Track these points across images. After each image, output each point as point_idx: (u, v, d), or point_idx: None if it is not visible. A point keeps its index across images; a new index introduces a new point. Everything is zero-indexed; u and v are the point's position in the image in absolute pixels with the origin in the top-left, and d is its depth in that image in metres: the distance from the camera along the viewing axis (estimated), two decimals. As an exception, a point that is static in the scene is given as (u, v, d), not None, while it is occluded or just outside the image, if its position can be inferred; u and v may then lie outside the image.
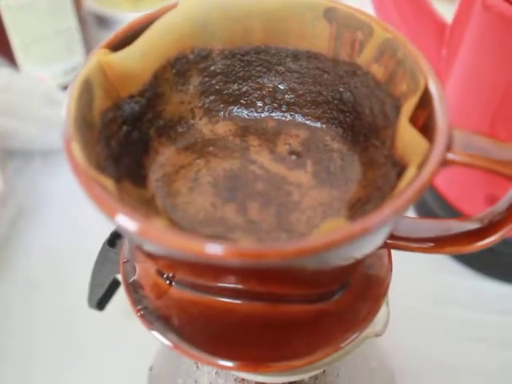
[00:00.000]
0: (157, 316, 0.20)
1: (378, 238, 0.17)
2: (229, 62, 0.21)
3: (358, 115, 0.21)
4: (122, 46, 0.19)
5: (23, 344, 0.39)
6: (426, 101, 0.18)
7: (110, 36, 0.20)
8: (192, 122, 0.22)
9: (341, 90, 0.21)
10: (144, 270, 0.21)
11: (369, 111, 0.20)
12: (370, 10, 0.41)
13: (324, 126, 0.22)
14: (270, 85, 0.22)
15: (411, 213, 0.44)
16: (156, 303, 0.20)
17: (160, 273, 0.21)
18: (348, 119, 0.21)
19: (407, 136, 0.18)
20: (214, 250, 0.14)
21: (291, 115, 0.22)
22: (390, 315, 0.22)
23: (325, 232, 0.15)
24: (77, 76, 0.18)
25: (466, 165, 0.17)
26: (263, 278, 0.18)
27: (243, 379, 0.22)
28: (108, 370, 0.37)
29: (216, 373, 0.23)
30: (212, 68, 0.21)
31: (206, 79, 0.22)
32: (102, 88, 0.19)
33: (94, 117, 0.18)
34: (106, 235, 0.25)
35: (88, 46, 0.53)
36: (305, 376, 0.21)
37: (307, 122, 0.22)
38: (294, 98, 0.22)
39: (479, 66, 0.35)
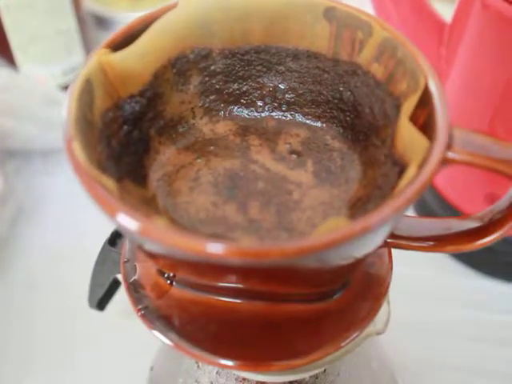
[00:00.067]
0: (158, 316, 0.20)
1: (379, 237, 0.17)
2: (229, 61, 0.22)
3: (358, 114, 0.21)
4: (123, 46, 0.19)
5: (23, 344, 0.39)
6: (426, 100, 0.18)
7: (109, 36, 0.20)
8: (192, 121, 0.22)
9: (341, 89, 0.21)
10: (145, 270, 0.21)
11: (369, 110, 0.20)
12: (369, 9, 0.41)
13: (324, 125, 0.22)
14: (271, 84, 0.22)
15: (411, 212, 0.44)
16: (157, 303, 0.20)
17: (161, 272, 0.21)
18: (348, 118, 0.21)
19: (407, 135, 0.18)
20: (215, 248, 0.14)
21: (291, 115, 0.22)
22: (390, 314, 0.22)
23: (326, 231, 0.15)
24: (77, 76, 0.18)
25: (467, 163, 0.17)
26: (264, 277, 0.18)
27: (244, 378, 0.22)
28: (108, 370, 0.37)
29: (217, 372, 0.23)
30: (212, 68, 0.21)
31: (207, 79, 0.22)
32: (103, 88, 0.19)
33: (95, 117, 0.18)
34: (106, 235, 0.25)
35: (87, 46, 0.53)
36: (306, 375, 0.21)
37: (307, 122, 0.22)
38: (294, 98, 0.22)
39: (478, 66, 0.35)
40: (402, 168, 0.18)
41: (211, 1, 0.20)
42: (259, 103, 0.22)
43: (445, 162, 0.16)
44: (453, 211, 0.40)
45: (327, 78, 0.21)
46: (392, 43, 0.19)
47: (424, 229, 0.21)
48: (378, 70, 0.20)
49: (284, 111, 0.22)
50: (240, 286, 0.19)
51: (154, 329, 0.20)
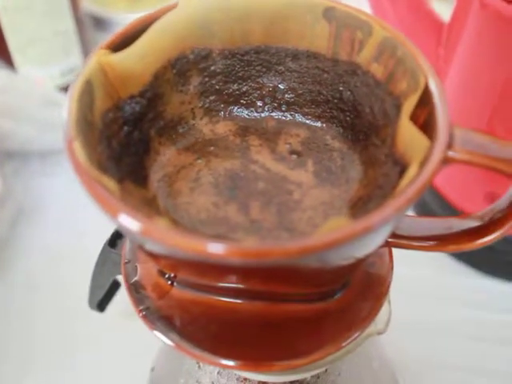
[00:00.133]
0: (159, 316, 0.20)
1: (380, 237, 0.17)
2: (229, 61, 0.22)
3: (358, 114, 0.21)
4: (123, 47, 0.19)
5: (23, 344, 0.39)
6: (426, 99, 0.18)
7: (108, 37, 0.20)
8: (192, 122, 0.22)
9: (340, 89, 0.21)
10: (145, 271, 0.21)
11: (369, 110, 0.20)
12: (366, 9, 0.41)
13: (324, 125, 0.22)
14: (270, 84, 0.22)
15: (410, 211, 0.44)
16: (158, 303, 0.20)
17: (162, 273, 0.21)
18: (348, 118, 0.21)
19: (408, 134, 0.18)
20: (217, 248, 0.14)
21: (291, 115, 0.22)
22: (391, 314, 0.22)
23: (327, 231, 0.15)
24: (77, 77, 0.18)
25: (467, 162, 0.17)
26: (265, 277, 0.18)
27: (245, 379, 0.22)
28: (109, 371, 0.37)
29: (218, 372, 0.23)
30: (212, 68, 0.21)
31: (206, 79, 0.22)
32: (103, 89, 0.19)
33: (95, 117, 0.18)
34: (106, 235, 0.25)
35: (85, 48, 0.53)
36: (307, 375, 0.21)
37: (307, 122, 0.22)
38: (294, 98, 0.22)
39: (477, 65, 0.35)
40: (402, 167, 0.18)
41: (211, 1, 0.21)
42: (259, 103, 0.22)
43: (446, 161, 0.16)
44: (452, 210, 0.40)
45: (327, 77, 0.21)
46: (392, 43, 0.19)
47: (424, 228, 0.21)
48: (377, 70, 0.20)
49: (284, 111, 0.22)
50: (241, 286, 0.19)
51: (156, 329, 0.20)
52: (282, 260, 0.15)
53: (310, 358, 0.19)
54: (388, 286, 0.21)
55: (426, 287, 0.40)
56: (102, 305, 0.29)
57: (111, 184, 0.16)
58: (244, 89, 0.22)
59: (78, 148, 0.16)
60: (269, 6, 0.21)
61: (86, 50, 0.53)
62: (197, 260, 0.16)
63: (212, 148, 0.21)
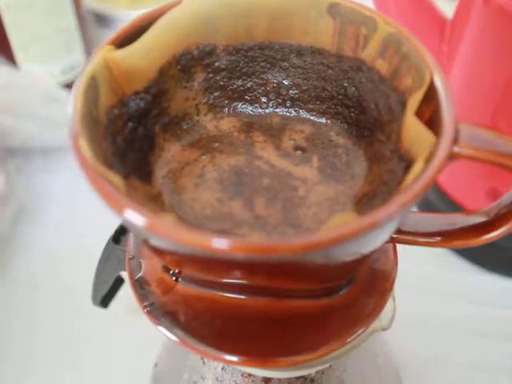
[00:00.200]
0: (163, 312, 0.20)
1: (386, 233, 0.17)
2: (233, 57, 0.22)
3: (362, 110, 0.21)
4: (127, 43, 0.19)
5: (24, 344, 0.39)
6: (431, 95, 0.18)
7: (110, 34, 0.20)
8: (197, 118, 0.22)
9: (345, 85, 0.21)
10: (150, 267, 0.21)
11: (374, 106, 0.20)
12: (369, 5, 0.41)
13: (329, 121, 0.22)
14: (275, 80, 0.22)
15: (413, 207, 0.44)
16: (162, 299, 0.20)
17: (166, 269, 0.21)
18: (353, 114, 0.21)
19: (413, 130, 0.18)
20: (222, 244, 0.14)
21: (296, 111, 0.22)
22: (396, 310, 0.22)
23: (333, 227, 0.15)
24: (82, 72, 0.18)
25: (473, 158, 0.17)
26: (270, 273, 0.18)
27: (250, 374, 0.22)
28: (112, 367, 0.37)
29: (222, 368, 0.23)
30: (216, 64, 0.21)
31: (211, 75, 0.22)
32: (108, 85, 0.19)
33: (100, 113, 0.18)
34: (108, 232, 0.25)
35: (87, 45, 0.53)
36: (311, 371, 0.21)
37: (312, 118, 0.22)
38: (299, 94, 0.22)
39: (480, 61, 0.35)
40: (408, 163, 0.18)
41: (215, -3, 0.20)
42: (263, 99, 0.22)
43: (451, 156, 0.16)
44: (454, 206, 0.40)
45: (331, 73, 0.21)
46: (396, 38, 0.19)
47: (429, 224, 0.21)
48: (382, 66, 0.20)
49: (288, 107, 0.22)
50: (246, 282, 0.19)
51: (160, 325, 0.20)
52: (287, 256, 0.15)
53: (315, 353, 0.19)
54: (393, 282, 0.21)
55: (428, 284, 0.40)
56: (105, 301, 0.29)
57: (117, 180, 0.16)
58: (248, 85, 0.22)
59: (84, 144, 0.16)
60: (272, 2, 0.21)
61: (87, 47, 0.53)
62: (202, 255, 0.16)
63: (216, 144, 0.21)
